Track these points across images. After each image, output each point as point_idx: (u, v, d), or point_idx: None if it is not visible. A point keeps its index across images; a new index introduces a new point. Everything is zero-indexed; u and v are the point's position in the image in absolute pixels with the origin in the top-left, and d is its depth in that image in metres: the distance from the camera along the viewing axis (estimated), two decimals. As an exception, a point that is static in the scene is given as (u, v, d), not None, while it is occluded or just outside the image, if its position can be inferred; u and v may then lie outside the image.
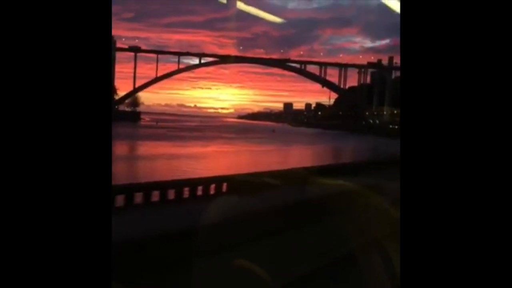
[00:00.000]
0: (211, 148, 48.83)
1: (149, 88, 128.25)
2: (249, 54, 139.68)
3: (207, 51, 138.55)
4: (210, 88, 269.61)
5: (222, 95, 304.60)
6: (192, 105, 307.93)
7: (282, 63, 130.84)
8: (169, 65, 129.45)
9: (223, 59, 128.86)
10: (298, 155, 47.41)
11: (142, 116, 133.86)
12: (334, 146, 67.26)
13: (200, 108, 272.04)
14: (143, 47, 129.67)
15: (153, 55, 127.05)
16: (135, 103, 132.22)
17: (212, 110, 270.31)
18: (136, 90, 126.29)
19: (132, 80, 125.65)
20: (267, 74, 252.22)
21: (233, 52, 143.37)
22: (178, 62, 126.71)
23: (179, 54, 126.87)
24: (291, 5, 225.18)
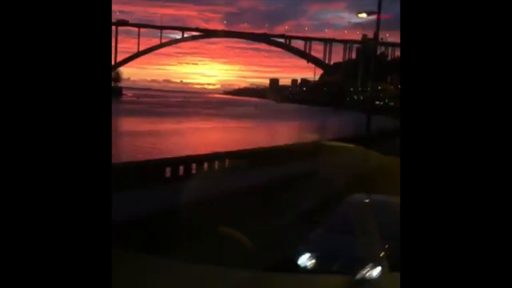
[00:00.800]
0: (186, 125, 47.67)
1: (135, 63, 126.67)
2: (235, 29, 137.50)
3: (192, 26, 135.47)
4: (196, 64, 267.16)
5: (209, 71, 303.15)
6: (178, 80, 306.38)
7: (266, 38, 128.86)
8: (154, 40, 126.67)
9: (207, 34, 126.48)
10: (269, 132, 46.37)
11: (124, 92, 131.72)
12: (315, 122, 66.56)
13: (186, 83, 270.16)
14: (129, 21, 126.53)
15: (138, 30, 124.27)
16: (117, 78, 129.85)
17: (198, 86, 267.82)
18: (117, 64, 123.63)
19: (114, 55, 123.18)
20: (254, 49, 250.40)
21: (219, 27, 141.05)
22: (161, 37, 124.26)
23: (162, 28, 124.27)
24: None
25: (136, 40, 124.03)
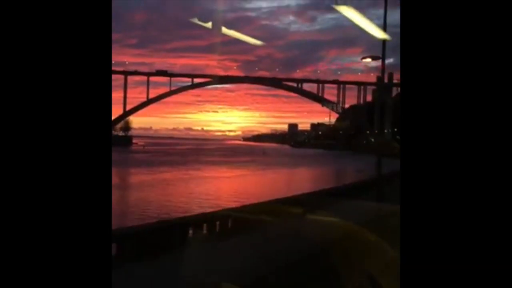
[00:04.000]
0: (174, 174, 43.77)
1: (158, 113, 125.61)
2: (253, 76, 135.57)
3: (207, 73, 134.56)
4: (216, 111, 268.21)
5: (229, 118, 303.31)
6: (200, 128, 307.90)
7: (278, 82, 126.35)
8: (165, 89, 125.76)
9: (216, 80, 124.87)
10: (264, 182, 41.54)
11: (135, 141, 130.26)
12: (328, 168, 61.79)
13: (207, 131, 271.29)
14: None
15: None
16: (127, 127, 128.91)
17: (219, 133, 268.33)
18: (126, 113, 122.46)
19: (127, 104, 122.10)
20: (273, 96, 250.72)
21: (237, 74, 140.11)
22: (170, 85, 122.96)
23: (171, 75, 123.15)
24: (293, 27, 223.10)
25: (156, 90, 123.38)
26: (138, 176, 42.52)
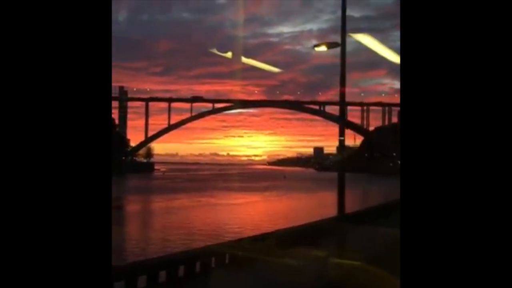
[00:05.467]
0: (182, 201, 42.25)
1: (185, 139, 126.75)
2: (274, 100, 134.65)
3: (233, 98, 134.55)
4: (242, 136, 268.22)
5: (254, 143, 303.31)
6: (225, 153, 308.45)
7: (299, 105, 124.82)
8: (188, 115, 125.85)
9: (237, 104, 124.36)
10: (273, 210, 39.43)
11: (157, 167, 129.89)
12: (349, 192, 59.16)
13: (233, 156, 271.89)
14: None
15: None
16: (149, 153, 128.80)
17: (245, 158, 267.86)
18: (148, 140, 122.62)
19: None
20: (298, 119, 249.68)
21: (260, 99, 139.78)
22: (191, 111, 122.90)
23: (192, 101, 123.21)
24: (316, 51, 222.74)
25: (178, 116, 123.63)
26: (141, 205, 41.16)
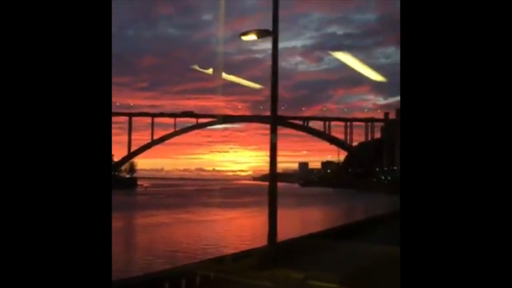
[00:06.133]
0: (158, 218, 41.51)
1: (170, 154, 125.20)
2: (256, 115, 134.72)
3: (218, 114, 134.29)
4: (227, 152, 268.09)
5: (240, 158, 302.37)
6: (211, 168, 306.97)
7: (282, 120, 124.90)
8: (170, 130, 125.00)
9: (220, 119, 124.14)
10: (249, 227, 38.94)
11: (140, 182, 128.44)
12: (329, 209, 58.97)
13: (218, 171, 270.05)
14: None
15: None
16: (132, 169, 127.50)
17: (230, 173, 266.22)
18: (131, 155, 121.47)
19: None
20: (283, 135, 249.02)
21: (247, 114, 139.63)
22: (175, 126, 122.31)
23: (174, 115, 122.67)
24: (301, 67, 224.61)
25: (162, 131, 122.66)
26: (115, 222, 40.29)
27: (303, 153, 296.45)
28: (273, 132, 8.75)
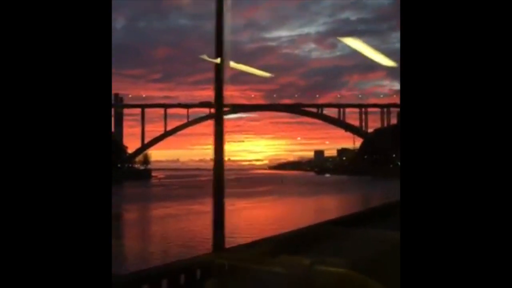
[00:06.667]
0: (167, 210, 41.01)
1: (185, 145, 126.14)
2: (270, 104, 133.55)
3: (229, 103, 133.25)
4: (242, 141, 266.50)
5: (255, 147, 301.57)
6: (226, 158, 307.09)
7: (296, 108, 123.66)
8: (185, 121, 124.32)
9: (234, 108, 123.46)
10: (258, 217, 38.01)
11: (154, 174, 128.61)
12: (345, 196, 57.79)
13: (234, 161, 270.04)
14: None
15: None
16: (146, 160, 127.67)
17: (246, 163, 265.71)
18: (144, 147, 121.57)
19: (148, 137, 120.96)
20: (298, 123, 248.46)
21: (261, 102, 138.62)
22: (187, 117, 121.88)
23: (188, 106, 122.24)
24: (314, 54, 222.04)
25: (177, 122, 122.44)
26: (126, 214, 39.77)
27: (325, 143, 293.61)
28: (218, 117, 7.59)
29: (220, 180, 7.75)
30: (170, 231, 27.51)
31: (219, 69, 7.93)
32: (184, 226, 29.94)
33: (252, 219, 34.93)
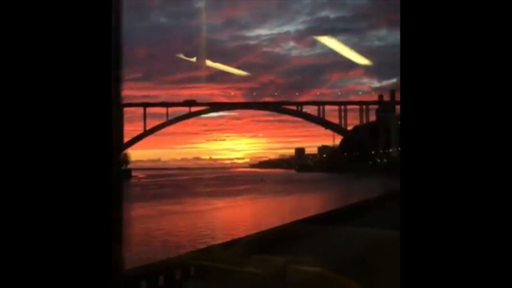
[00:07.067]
0: (137, 211, 40.35)
1: (167, 144, 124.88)
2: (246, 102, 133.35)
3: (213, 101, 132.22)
4: (224, 140, 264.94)
5: (237, 146, 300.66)
6: (208, 157, 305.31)
7: (275, 106, 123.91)
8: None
9: (214, 107, 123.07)
10: (227, 219, 37.87)
11: (134, 173, 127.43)
12: (323, 194, 58.10)
13: (215, 160, 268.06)
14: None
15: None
16: (126, 160, 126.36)
17: (228, 161, 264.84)
18: (123, 146, 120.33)
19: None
20: (280, 121, 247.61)
21: (242, 101, 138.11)
22: (167, 116, 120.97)
23: (167, 105, 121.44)
24: (294, 52, 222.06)
25: (154, 121, 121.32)
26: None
27: (299, 139, 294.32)
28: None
29: (117, 181, 7.61)
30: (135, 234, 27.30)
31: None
32: (163, 226, 29.79)
33: (228, 218, 34.94)
